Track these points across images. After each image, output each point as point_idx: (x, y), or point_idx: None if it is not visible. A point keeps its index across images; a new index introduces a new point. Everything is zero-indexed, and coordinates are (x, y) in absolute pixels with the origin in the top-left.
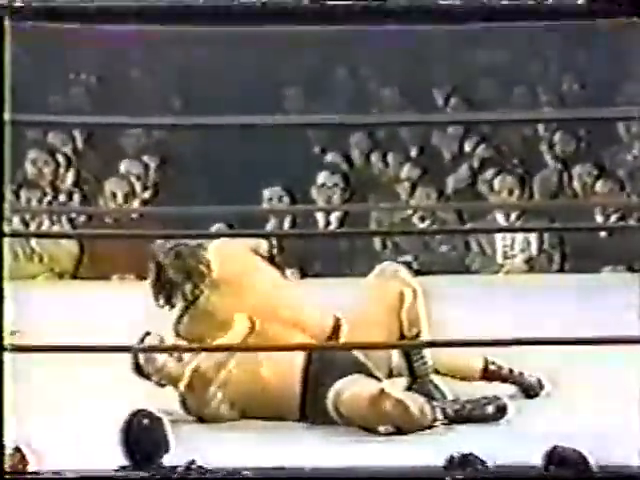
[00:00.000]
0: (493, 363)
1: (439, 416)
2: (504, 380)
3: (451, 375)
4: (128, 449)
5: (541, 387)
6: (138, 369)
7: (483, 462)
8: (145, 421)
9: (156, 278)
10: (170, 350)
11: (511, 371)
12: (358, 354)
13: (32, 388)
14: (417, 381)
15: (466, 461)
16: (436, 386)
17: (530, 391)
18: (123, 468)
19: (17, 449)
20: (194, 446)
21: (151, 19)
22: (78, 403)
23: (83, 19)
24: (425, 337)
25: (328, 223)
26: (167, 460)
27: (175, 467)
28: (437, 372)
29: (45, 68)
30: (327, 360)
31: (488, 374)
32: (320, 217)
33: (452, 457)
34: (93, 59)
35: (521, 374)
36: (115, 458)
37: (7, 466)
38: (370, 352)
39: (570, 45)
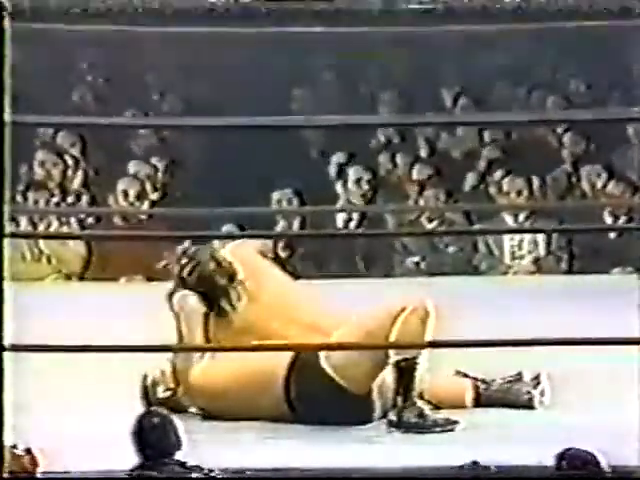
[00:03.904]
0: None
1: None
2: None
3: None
4: (140, 447)
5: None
6: (146, 397)
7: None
8: (156, 419)
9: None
10: (172, 350)
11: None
12: (335, 375)
13: (41, 388)
14: (407, 404)
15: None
16: (421, 415)
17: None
18: (134, 469)
19: (27, 450)
20: (194, 445)
21: (155, 20)
22: (87, 404)
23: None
24: (423, 364)
25: (347, 224)
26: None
27: (184, 465)
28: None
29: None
30: (308, 368)
31: (480, 400)
32: (340, 218)
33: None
34: (98, 60)
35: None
36: (121, 459)
37: (12, 467)
38: (349, 372)
39: (576, 46)
